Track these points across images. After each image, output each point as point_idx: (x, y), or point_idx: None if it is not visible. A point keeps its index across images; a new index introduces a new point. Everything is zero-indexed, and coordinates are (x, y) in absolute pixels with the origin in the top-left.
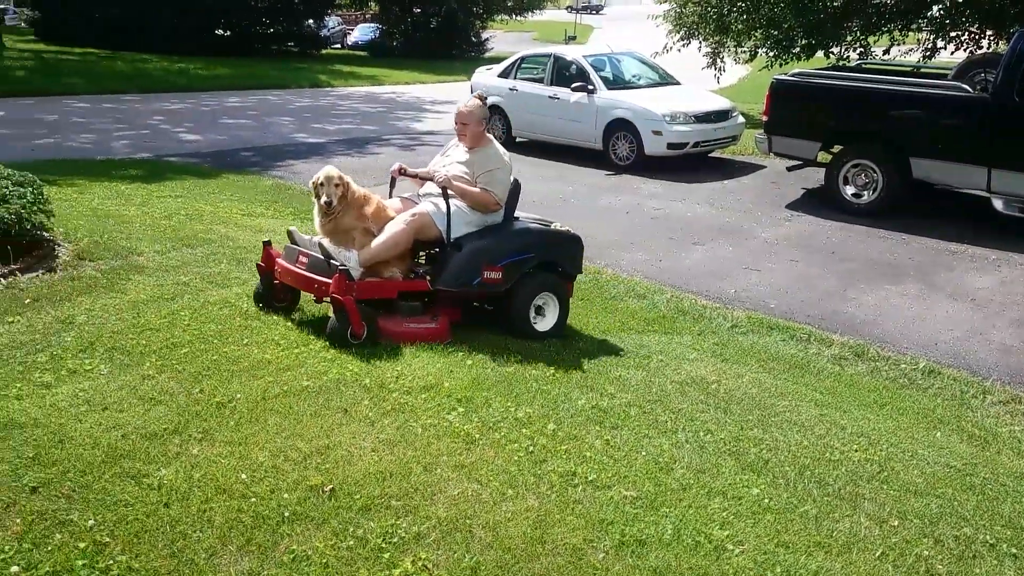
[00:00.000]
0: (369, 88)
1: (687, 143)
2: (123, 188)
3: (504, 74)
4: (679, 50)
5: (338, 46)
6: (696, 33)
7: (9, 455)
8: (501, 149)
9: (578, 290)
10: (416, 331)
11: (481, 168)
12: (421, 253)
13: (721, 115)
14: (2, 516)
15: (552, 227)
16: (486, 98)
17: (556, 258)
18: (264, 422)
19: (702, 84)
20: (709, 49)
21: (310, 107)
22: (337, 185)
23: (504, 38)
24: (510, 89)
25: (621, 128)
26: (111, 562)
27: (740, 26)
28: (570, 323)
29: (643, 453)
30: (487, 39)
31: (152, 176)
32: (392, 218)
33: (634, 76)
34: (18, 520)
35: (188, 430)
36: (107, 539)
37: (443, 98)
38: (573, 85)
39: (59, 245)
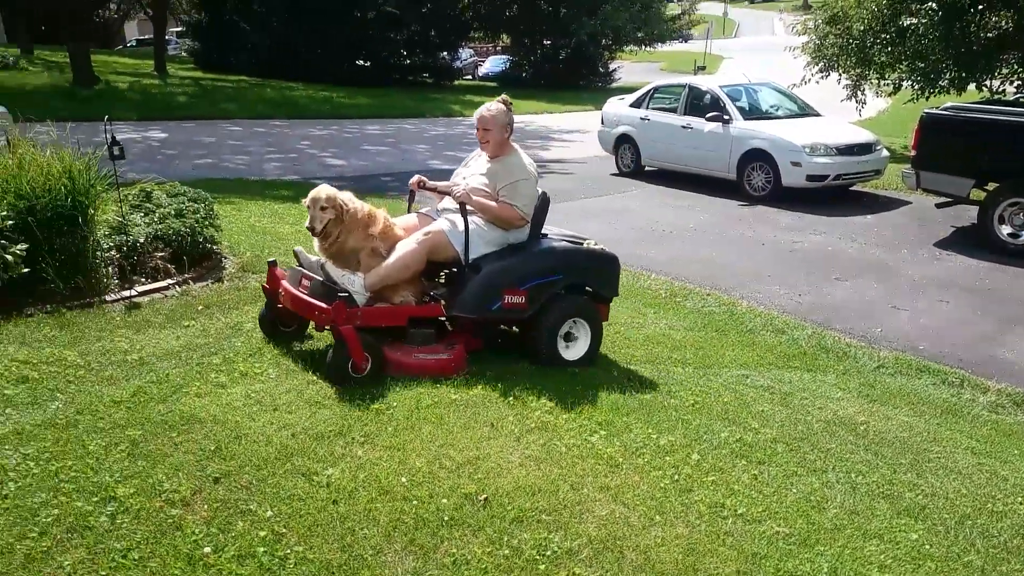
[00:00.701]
0: None
1: (828, 175)
2: (276, 207)
3: (636, 104)
4: (817, 82)
5: (469, 77)
6: (836, 65)
7: (193, 447)
8: (526, 159)
9: (712, 321)
10: (426, 363)
11: (504, 179)
12: (443, 273)
13: (865, 148)
14: (191, 502)
15: (585, 245)
16: (511, 102)
17: (588, 280)
18: (419, 430)
19: (842, 116)
20: (849, 81)
21: (443, 135)
22: (324, 208)
23: (631, 68)
24: (641, 118)
25: (757, 159)
26: (288, 552)
27: (883, 58)
28: (707, 354)
29: (793, 490)
30: (615, 69)
31: (301, 196)
32: (401, 237)
33: (772, 107)
34: (205, 507)
35: (351, 433)
36: (283, 530)
37: (570, 127)
38: (708, 115)
39: (225, 258)
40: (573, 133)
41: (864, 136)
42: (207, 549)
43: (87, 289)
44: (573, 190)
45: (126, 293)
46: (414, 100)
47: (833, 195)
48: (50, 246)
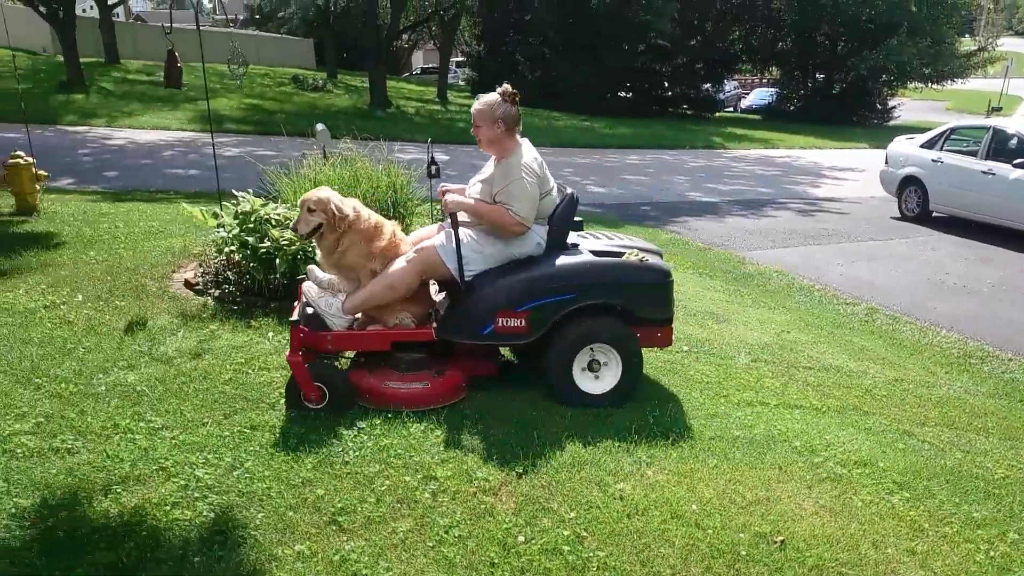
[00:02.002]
0: (762, 151)
1: None
2: None
3: (929, 144)
4: None
5: (730, 109)
6: None
7: (496, 441)
8: (528, 156)
9: (1017, 390)
10: (398, 393)
11: (500, 183)
12: None
13: None
14: (499, 492)
15: (626, 257)
16: (515, 93)
17: (619, 299)
18: (704, 460)
19: None
20: None
21: (703, 167)
22: (311, 211)
23: (912, 106)
24: (933, 160)
25: None
26: (591, 555)
27: None
28: (1012, 425)
29: None
30: (894, 107)
31: None
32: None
33: None
34: (512, 500)
35: (637, 452)
36: (584, 533)
37: (843, 164)
38: (1016, 161)
39: None
40: (845, 171)
41: None
42: (521, 537)
43: None
44: (850, 231)
45: None
46: (673, 131)
47: None
48: None
